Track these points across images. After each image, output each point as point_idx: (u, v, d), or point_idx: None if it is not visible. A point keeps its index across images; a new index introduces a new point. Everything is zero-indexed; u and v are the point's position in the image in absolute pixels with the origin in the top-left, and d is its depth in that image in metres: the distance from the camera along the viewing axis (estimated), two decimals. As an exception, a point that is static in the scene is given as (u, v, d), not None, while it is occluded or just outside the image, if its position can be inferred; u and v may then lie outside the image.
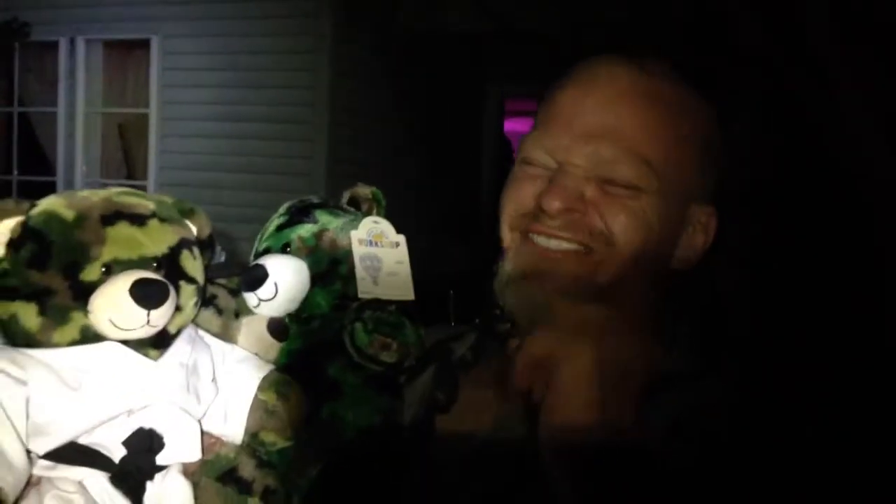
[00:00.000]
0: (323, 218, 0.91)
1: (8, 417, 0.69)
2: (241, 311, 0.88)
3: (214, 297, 0.86)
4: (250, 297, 0.86)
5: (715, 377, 0.97)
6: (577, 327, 0.86)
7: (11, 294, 0.71)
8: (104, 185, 0.84)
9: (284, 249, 0.89)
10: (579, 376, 0.80)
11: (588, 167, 0.96)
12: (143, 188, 6.69)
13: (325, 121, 5.98)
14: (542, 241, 0.98)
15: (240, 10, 6.21)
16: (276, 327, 0.88)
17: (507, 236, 1.02)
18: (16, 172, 7.03)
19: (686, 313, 1.05)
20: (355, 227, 0.89)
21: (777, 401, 0.92)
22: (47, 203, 0.75)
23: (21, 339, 0.72)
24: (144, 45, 6.48)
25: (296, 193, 0.99)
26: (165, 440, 0.75)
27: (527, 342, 0.84)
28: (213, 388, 0.80)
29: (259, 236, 0.94)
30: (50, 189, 6.64)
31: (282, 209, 0.94)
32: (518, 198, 1.01)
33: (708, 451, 0.84)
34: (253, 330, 0.88)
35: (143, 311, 0.71)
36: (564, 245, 0.97)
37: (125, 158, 6.97)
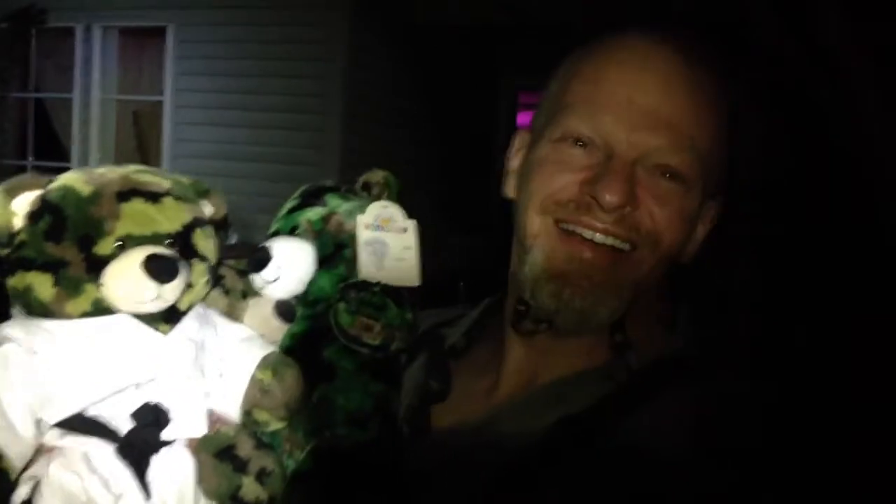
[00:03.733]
0: (332, 202, 0.92)
1: (17, 386, 0.71)
2: (248, 292, 0.89)
3: (222, 277, 0.87)
4: (255, 279, 0.87)
5: (719, 368, 0.95)
6: None
7: (28, 265, 0.74)
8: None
9: (293, 232, 0.91)
10: None
11: (641, 155, 0.90)
12: (156, 176, 6.73)
13: (338, 111, 5.99)
14: (587, 234, 0.92)
15: (255, -1, 6.22)
16: (284, 310, 0.89)
17: (536, 222, 0.95)
18: (31, 158, 7.09)
19: (686, 298, 1.03)
20: (364, 212, 0.90)
21: (788, 395, 0.90)
22: (65, 178, 0.77)
23: (36, 309, 0.74)
24: (160, 32, 6.51)
25: (308, 183, 0.99)
26: (171, 415, 0.76)
27: None
28: (218, 366, 0.81)
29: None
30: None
31: (296, 193, 0.95)
32: (555, 183, 0.93)
33: (716, 447, 0.82)
34: (259, 312, 0.89)
35: (155, 285, 0.72)
36: (611, 241, 0.91)
37: (139, 146, 7.02)
